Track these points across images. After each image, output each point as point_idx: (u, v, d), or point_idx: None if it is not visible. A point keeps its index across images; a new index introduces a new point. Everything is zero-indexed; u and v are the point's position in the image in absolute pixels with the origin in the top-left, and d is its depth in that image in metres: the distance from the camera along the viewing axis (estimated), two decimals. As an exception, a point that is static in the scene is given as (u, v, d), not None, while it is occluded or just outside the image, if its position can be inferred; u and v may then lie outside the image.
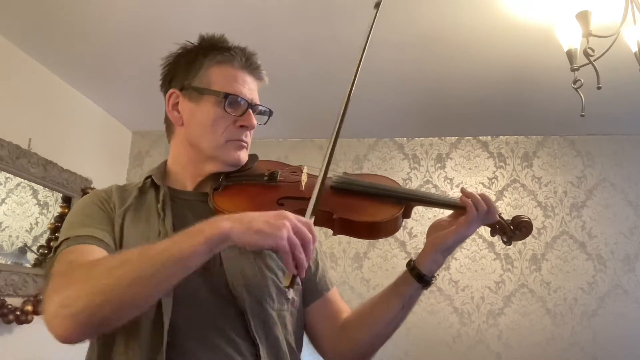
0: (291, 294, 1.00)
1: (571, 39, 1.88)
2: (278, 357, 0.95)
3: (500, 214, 1.05)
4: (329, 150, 0.94)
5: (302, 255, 0.79)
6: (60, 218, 2.84)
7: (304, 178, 1.04)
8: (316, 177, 1.06)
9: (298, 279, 0.88)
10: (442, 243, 1.00)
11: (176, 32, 2.32)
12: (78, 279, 0.79)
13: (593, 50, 1.80)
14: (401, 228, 1.08)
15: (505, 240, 1.06)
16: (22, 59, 2.59)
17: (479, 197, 1.00)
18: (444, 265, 3.59)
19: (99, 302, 0.76)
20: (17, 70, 2.56)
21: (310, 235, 0.81)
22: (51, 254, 0.94)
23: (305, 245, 0.80)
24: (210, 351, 0.88)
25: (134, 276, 0.77)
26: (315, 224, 0.90)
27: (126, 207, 0.98)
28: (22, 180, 2.57)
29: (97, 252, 0.89)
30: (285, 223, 0.79)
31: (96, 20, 2.28)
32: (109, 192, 1.02)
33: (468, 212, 0.99)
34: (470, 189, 1.02)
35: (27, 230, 2.63)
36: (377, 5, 0.92)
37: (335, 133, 0.98)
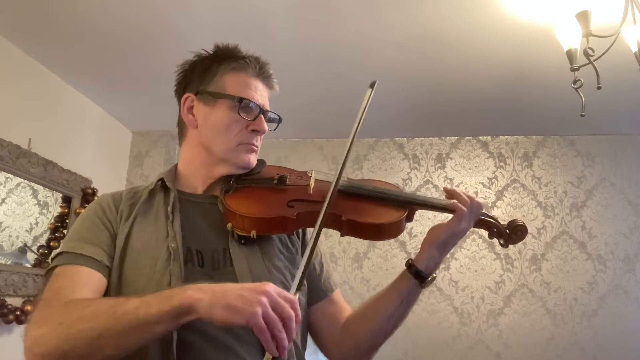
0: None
1: (571, 39, 1.88)
2: None
3: (497, 218, 1.12)
4: (337, 175, 0.96)
5: (283, 335, 0.74)
6: (60, 218, 2.84)
7: (312, 182, 1.08)
8: (323, 181, 1.09)
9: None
10: (436, 238, 1.04)
11: (177, 33, 2.33)
12: (52, 319, 0.82)
13: (593, 50, 1.80)
14: (401, 228, 1.11)
15: (502, 243, 1.11)
16: (22, 59, 2.58)
17: (460, 193, 1.06)
18: (443, 265, 3.61)
19: (66, 349, 0.79)
20: (17, 70, 2.56)
21: (291, 312, 0.75)
22: (50, 260, 0.98)
23: (285, 323, 0.74)
24: (218, 348, 0.90)
25: (97, 333, 0.78)
26: (325, 226, 0.92)
27: (134, 214, 1.01)
28: (22, 180, 2.57)
29: (86, 276, 0.92)
30: (262, 299, 0.74)
31: (96, 20, 2.28)
32: (118, 200, 1.05)
33: (456, 209, 1.04)
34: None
35: (27, 230, 2.63)
36: (373, 85, 0.97)
37: (343, 162, 0.98)
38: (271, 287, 0.76)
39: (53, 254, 0.97)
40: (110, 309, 0.79)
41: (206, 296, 0.76)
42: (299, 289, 0.82)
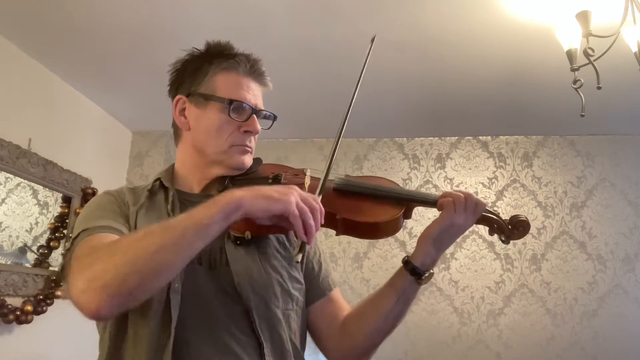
0: (298, 265, 1.05)
1: (571, 39, 1.88)
2: (282, 355, 0.97)
3: (499, 213, 1.09)
4: (335, 143, 0.98)
5: (312, 222, 0.83)
6: (60, 218, 2.84)
7: (307, 180, 1.06)
8: (318, 179, 1.09)
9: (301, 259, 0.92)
10: (430, 233, 1.03)
11: (177, 32, 2.33)
12: (104, 255, 0.80)
13: (593, 50, 1.80)
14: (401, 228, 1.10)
15: (503, 239, 1.09)
16: (22, 59, 2.58)
17: (454, 192, 1.04)
18: (443, 265, 3.60)
19: (127, 273, 0.76)
20: (17, 70, 2.56)
21: (317, 205, 0.85)
22: (68, 244, 0.95)
23: (313, 212, 0.84)
24: (216, 348, 0.90)
25: (157, 246, 0.78)
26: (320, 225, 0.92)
27: (139, 205, 1.01)
28: (22, 180, 2.57)
29: (111, 238, 0.90)
30: (294, 192, 0.84)
31: (96, 20, 2.28)
32: (121, 192, 1.05)
33: (446, 204, 1.03)
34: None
35: (27, 230, 2.63)
36: (372, 40, 1.00)
37: (339, 133, 1.02)
38: (296, 187, 0.87)
39: (72, 235, 0.94)
40: (161, 226, 0.81)
41: (246, 193, 0.83)
42: (321, 192, 0.94)
